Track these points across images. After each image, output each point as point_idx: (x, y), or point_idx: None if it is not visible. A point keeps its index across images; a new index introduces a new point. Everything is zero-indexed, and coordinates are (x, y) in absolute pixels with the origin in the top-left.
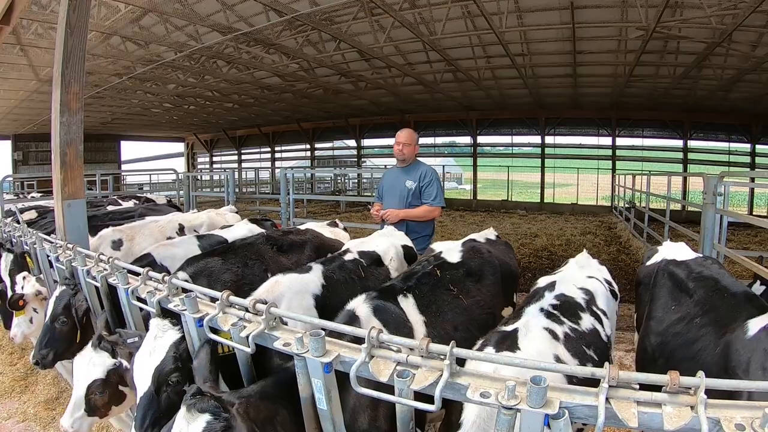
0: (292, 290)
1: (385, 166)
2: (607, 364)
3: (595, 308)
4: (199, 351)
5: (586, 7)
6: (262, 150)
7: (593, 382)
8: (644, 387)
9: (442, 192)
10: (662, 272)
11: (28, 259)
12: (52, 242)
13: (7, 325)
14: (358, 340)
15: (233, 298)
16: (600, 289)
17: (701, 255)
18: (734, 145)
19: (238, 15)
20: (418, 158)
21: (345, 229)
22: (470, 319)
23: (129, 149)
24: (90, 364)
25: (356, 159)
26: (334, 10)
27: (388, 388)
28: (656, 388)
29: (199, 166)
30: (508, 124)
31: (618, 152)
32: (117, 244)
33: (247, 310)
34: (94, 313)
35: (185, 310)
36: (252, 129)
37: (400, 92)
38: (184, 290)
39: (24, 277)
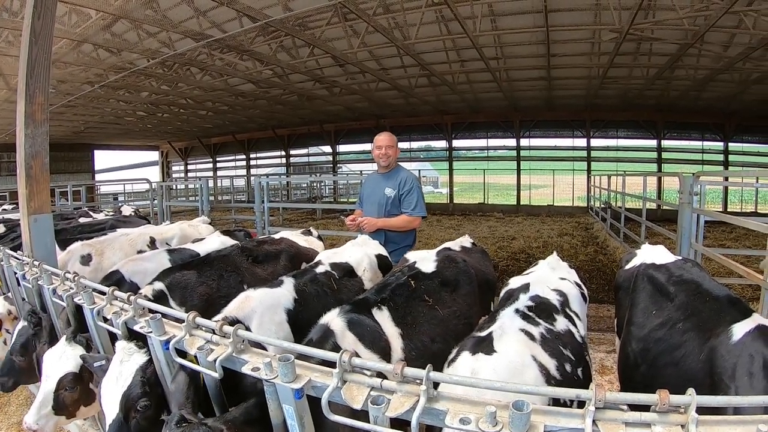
0: (263, 305)
1: (361, 171)
2: (593, 385)
3: (568, 310)
4: (176, 375)
5: (559, 10)
6: (237, 157)
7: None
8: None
9: (423, 200)
10: (642, 276)
11: None
12: (19, 259)
13: None
14: (329, 364)
15: (200, 320)
16: (573, 292)
17: (681, 258)
18: (708, 144)
19: (211, 21)
20: (399, 163)
21: (319, 237)
22: (447, 330)
23: (103, 159)
24: (63, 358)
25: (332, 165)
26: (307, 15)
27: (364, 414)
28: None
29: (174, 175)
30: (483, 127)
31: (593, 153)
32: (86, 259)
33: (214, 332)
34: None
35: (151, 332)
36: (226, 136)
37: (375, 97)
38: (151, 310)
39: None
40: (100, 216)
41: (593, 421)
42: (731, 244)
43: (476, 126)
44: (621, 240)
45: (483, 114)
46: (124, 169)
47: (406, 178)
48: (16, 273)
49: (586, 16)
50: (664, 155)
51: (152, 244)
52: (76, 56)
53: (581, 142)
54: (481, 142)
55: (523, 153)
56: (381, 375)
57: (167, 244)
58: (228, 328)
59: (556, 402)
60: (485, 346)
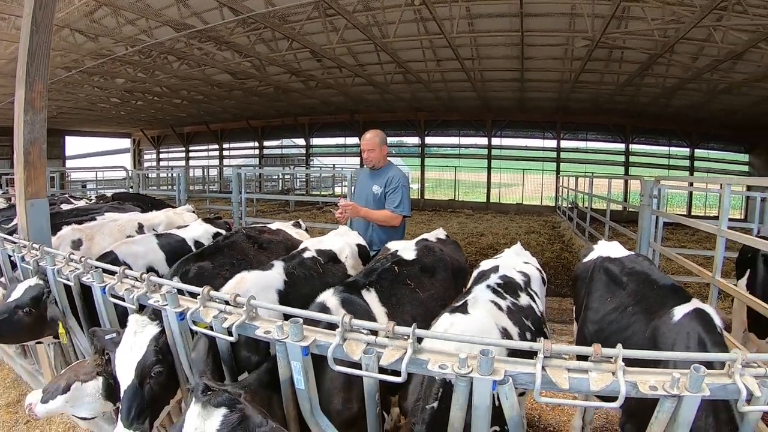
0: (257, 286)
1: (334, 165)
2: (542, 338)
3: (530, 289)
4: (196, 344)
5: (535, 15)
6: (210, 147)
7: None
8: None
9: (408, 200)
10: (598, 268)
11: None
12: (15, 242)
13: None
14: (330, 328)
15: (214, 293)
16: (535, 274)
17: (633, 253)
18: (674, 150)
19: (191, 10)
20: (390, 160)
21: (306, 230)
22: (427, 311)
23: (74, 145)
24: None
25: (305, 157)
26: (289, 12)
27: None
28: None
29: (145, 163)
30: (455, 125)
31: (562, 154)
32: (77, 244)
33: (227, 303)
34: (63, 313)
35: (166, 305)
36: (200, 126)
37: (351, 92)
38: (161, 286)
39: None
40: (81, 203)
41: (543, 367)
42: (692, 245)
43: (449, 124)
44: (586, 239)
45: (456, 112)
46: (95, 156)
47: (393, 177)
48: (11, 256)
49: (561, 22)
50: (632, 159)
51: (140, 229)
52: (55, 41)
53: (551, 143)
54: (454, 140)
55: (494, 152)
56: (375, 335)
57: (154, 230)
58: (241, 299)
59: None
60: (461, 309)
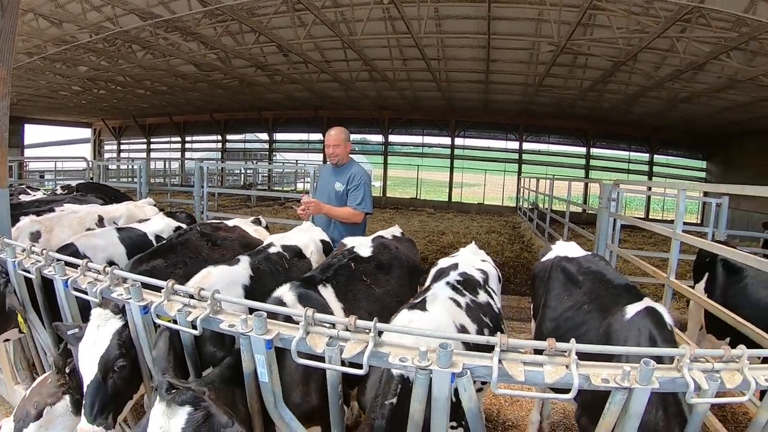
0: (223, 281)
1: (296, 161)
2: (499, 333)
3: (488, 287)
4: (157, 341)
5: (502, 19)
6: (172, 140)
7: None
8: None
9: (370, 197)
10: (556, 267)
11: None
12: None
13: None
14: (290, 321)
15: (178, 287)
16: (492, 272)
17: (590, 253)
18: (634, 155)
19: None
20: (352, 157)
21: (267, 226)
22: (383, 307)
23: (33, 133)
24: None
25: (268, 152)
26: (256, 2)
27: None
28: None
29: (106, 154)
30: (419, 124)
31: (524, 156)
32: (35, 236)
33: (192, 297)
34: (23, 306)
35: (130, 298)
36: (163, 117)
37: (316, 88)
38: (125, 280)
39: None
40: (38, 194)
41: (499, 360)
42: (649, 247)
43: (413, 123)
44: (545, 239)
45: (421, 112)
46: (54, 145)
47: (355, 174)
48: None
49: (527, 26)
50: (593, 163)
51: (100, 222)
52: (18, 26)
53: (514, 145)
54: (417, 139)
55: (457, 152)
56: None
57: (114, 222)
58: (206, 293)
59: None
60: (420, 305)
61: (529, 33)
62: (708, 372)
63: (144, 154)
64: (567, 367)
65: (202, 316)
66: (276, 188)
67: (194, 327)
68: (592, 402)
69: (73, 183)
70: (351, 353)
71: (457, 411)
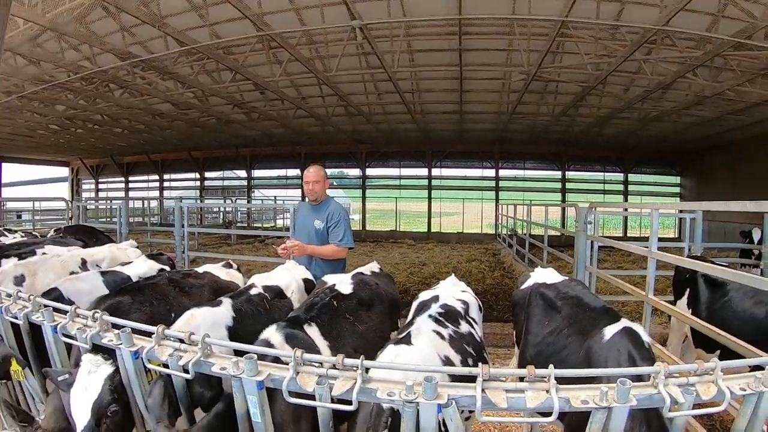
0: (207, 322)
1: (275, 198)
2: (480, 363)
3: (469, 317)
4: (152, 390)
5: (473, 50)
6: (151, 178)
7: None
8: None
9: (350, 232)
10: (535, 294)
11: None
12: None
13: None
14: (278, 362)
15: (168, 331)
16: (473, 302)
17: (567, 278)
18: (609, 175)
19: (136, 39)
20: (329, 194)
21: (239, 269)
22: (367, 342)
23: (10, 172)
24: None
25: (246, 189)
26: (233, 43)
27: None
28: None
29: (84, 193)
30: (396, 156)
31: (501, 183)
32: (19, 280)
33: (182, 341)
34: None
35: (121, 344)
36: (140, 156)
37: (292, 124)
38: (115, 326)
39: None
40: (16, 237)
41: (483, 390)
42: (629, 266)
43: (390, 155)
44: (526, 264)
45: (397, 144)
46: (31, 184)
47: (333, 211)
48: None
49: (498, 56)
50: (569, 185)
51: (83, 265)
52: None
53: (490, 172)
54: (395, 171)
55: (434, 182)
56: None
57: (98, 265)
58: (196, 337)
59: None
60: (405, 340)
61: (500, 62)
62: (684, 386)
63: (122, 193)
64: (547, 391)
65: (194, 361)
66: (255, 225)
67: (186, 371)
68: (576, 424)
69: (62, 226)
70: (340, 390)
71: None
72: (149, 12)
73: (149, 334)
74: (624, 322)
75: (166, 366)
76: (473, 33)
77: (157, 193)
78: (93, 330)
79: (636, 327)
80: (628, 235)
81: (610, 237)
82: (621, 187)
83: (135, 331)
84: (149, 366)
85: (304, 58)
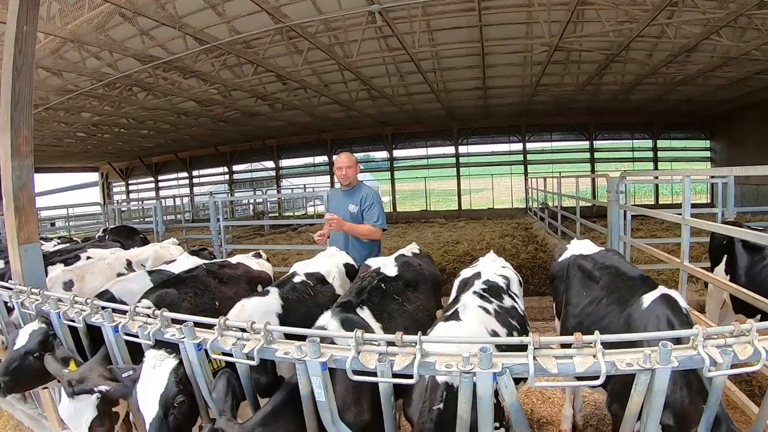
0: (259, 312)
1: (305, 186)
2: (531, 333)
3: (511, 291)
4: (216, 383)
5: (493, 25)
6: (180, 176)
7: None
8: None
9: (384, 214)
10: (573, 266)
11: None
12: (11, 288)
13: None
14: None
15: (230, 322)
16: (514, 277)
17: (603, 248)
18: (637, 143)
19: (155, 41)
20: (361, 180)
21: (268, 259)
22: (416, 322)
23: (41, 181)
24: (78, 412)
25: (275, 180)
26: (253, 37)
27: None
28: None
29: (114, 196)
30: (422, 136)
31: (529, 156)
32: (68, 285)
33: (244, 331)
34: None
35: (184, 338)
36: (168, 155)
37: (317, 112)
38: (175, 321)
39: None
40: (53, 245)
41: (534, 357)
42: (662, 234)
43: (416, 136)
44: (559, 237)
45: (422, 124)
46: (62, 191)
47: (367, 195)
48: (7, 302)
49: (519, 29)
50: (597, 155)
51: (129, 266)
52: None
53: (517, 146)
54: (421, 151)
55: (462, 159)
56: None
57: (142, 265)
58: (258, 325)
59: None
60: (454, 316)
61: (522, 35)
62: (721, 347)
63: (153, 193)
64: (594, 356)
65: (258, 348)
66: (286, 214)
67: (250, 358)
68: (620, 389)
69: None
70: (401, 365)
71: (498, 413)
72: (167, 14)
73: (206, 326)
74: (662, 289)
75: (229, 355)
76: (492, 7)
77: (186, 190)
78: (154, 327)
79: (673, 293)
80: (660, 202)
81: (642, 205)
82: (650, 154)
83: (199, 324)
84: (213, 356)
85: (324, 46)
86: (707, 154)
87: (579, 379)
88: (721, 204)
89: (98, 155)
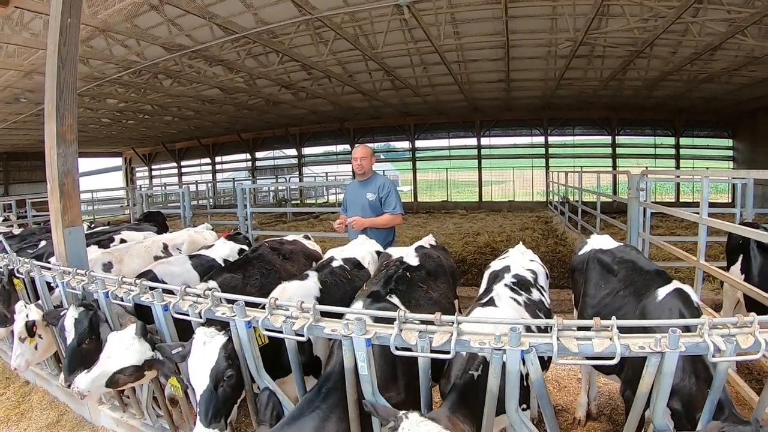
0: (298, 294)
1: (326, 174)
2: (555, 316)
3: (538, 285)
4: (261, 395)
5: (518, 17)
6: (203, 161)
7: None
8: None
9: (400, 200)
10: (592, 259)
11: (15, 283)
12: (57, 269)
13: None
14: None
15: (280, 302)
16: (541, 271)
17: (622, 244)
18: (659, 139)
19: (181, 29)
20: (376, 171)
21: (320, 242)
22: (441, 308)
23: None
24: (130, 349)
25: (297, 167)
26: (280, 27)
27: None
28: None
29: (138, 181)
30: (445, 127)
31: (551, 150)
32: (108, 267)
33: (292, 309)
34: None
35: (235, 316)
36: (192, 141)
37: (340, 101)
38: (226, 300)
39: (25, 305)
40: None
41: (557, 338)
42: (682, 232)
43: (438, 126)
44: (578, 232)
45: (445, 115)
46: (86, 175)
47: (383, 183)
48: (50, 282)
49: (544, 23)
50: (619, 151)
51: (165, 250)
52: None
53: (539, 139)
54: (443, 142)
55: (484, 151)
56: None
57: (178, 249)
58: (308, 305)
59: None
60: (490, 303)
61: (546, 29)
62: (725, 336)
63: (176, 178)
64: (611, 339)
65: (308, 325)
66: (308, 201)
67: (299, 335)
68: (632, 376)
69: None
70: (439, 342)
71: (523, 394)
72: (196, 4)
73: (254, 305)
74: (675, 284)
75: (278, 332)
76: (519, 0)
77: (208, 176)
78: (205, 306)
79: (686, 288)
80: (681, 200)
81: (663, 202)
82: (672, 151)
83: (249, 304)
84: (264, 333)
85: (350, 36)
86: (729, 153)
87: (595, 361)
88: (739, 204)
89: (122, 141)
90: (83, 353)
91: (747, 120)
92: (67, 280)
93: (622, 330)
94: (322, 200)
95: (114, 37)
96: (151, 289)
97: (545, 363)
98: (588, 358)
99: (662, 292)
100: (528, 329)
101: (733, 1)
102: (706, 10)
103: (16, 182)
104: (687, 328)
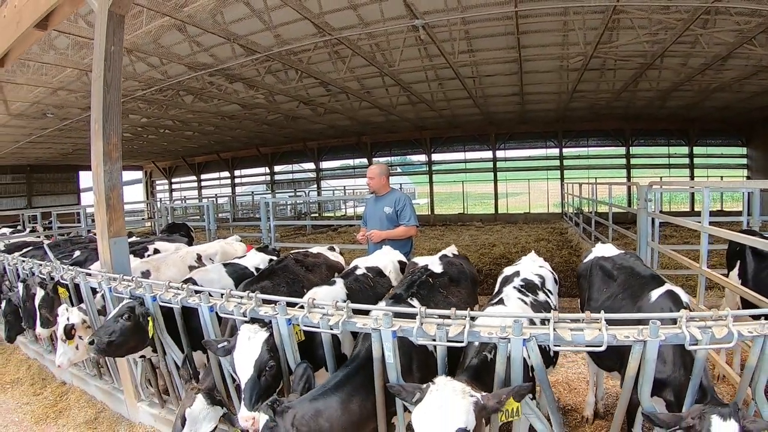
0: (327, 298)
1: (344, 188)
2: (552, 311)
3: (545, 289)
4: (297, 368)
5: (530, 33)
6: (222, 175)
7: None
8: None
9: (415, 213)
10: (595, 266)
11: (60, 292)
12: (105, 275)
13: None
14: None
15: (317, 302)
16: (549, 276)
17: (622, 251)
18: (673, 149)
19: (201, 47)
20: (393, 187)
21: (341, 253)
22: None
23: (87, 179)
24: (207, 417)
25: (315, 181)
26: (298, 45)
27: (424, 350)
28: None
29: (158, 194)
30: (460, 140)
31: (565, 162)
32: (146, 275)
33: (328, 308)
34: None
35: (277, 314)
36: (211, 155)
37: (358, 116)
38: (266, 301)
39: (67, 309)
40: None
41: (554, 329)
42: (694, 241)
43: (454, 140)
44: (592, 242)
45: (460, 129)
46: None
47: (399, 198)
48: (97, 287)
49: (555, 37)
50: (633, 161)
51: (199, 260)
52: (79, 85)
53: (554, 151)
54: (459, 155)
55: (499, 164)
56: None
57: (211, 259)
58: (341, 304)
59: None
60: (500, 302)
61: (558, 43)
62: (702, 328)
63: (195, 192)
64: (599, 330)
65: (342, 320)
66: (326, 214)
67: (332, 329)
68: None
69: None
70: (454, 333)
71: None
72: (221, 27)
73: (291, 305)
74: (667, 286)
75: (315, 327)
76: (530, 15)
77: (228, 190)
78: (249, 306)
79: (677, 290)
80: (695, 209)
81: (677, 212)
82: (686, 161)
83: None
84: (304, 328)
85: (366, 54)
86: (743, 161)
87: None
88: (745, 212)
89: (143, 154)
90: (117, 327)
91: (760, 128)
92: (114, 285)
93: (611, 322)
94: (340, 213)
95: (137, 55)
96: (197, 292)
97: (550, 358)
98: (590, 356)
99: (655, 294)
100: (531, 323)
101: (741, 11)
102: (714, 21)
103: (39, 194)
104: (674, 322)
